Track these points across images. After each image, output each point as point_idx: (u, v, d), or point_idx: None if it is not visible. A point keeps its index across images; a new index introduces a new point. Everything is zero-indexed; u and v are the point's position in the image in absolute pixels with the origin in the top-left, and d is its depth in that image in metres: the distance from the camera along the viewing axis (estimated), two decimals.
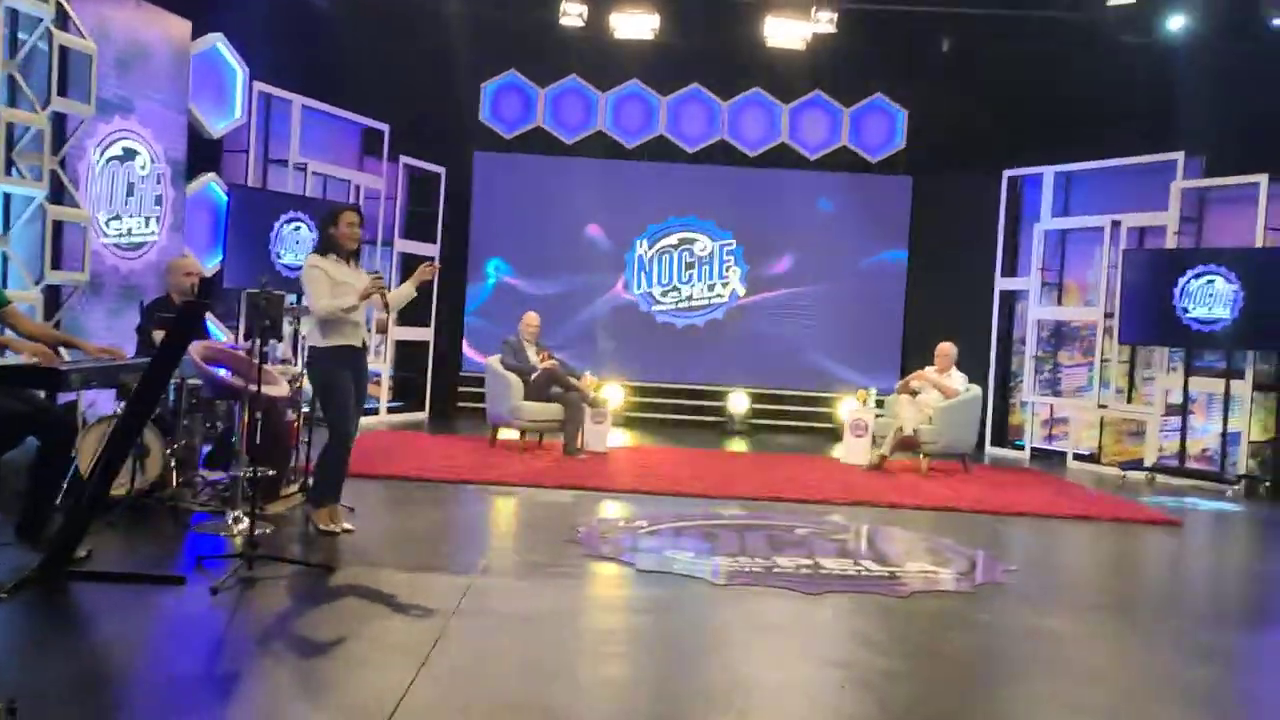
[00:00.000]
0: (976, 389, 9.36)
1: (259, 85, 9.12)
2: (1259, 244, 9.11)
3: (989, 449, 11.06)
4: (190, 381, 5.67)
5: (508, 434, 9.08)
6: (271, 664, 3.64)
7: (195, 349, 5.44)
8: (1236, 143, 9.39)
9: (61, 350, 4.81)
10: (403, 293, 5.58)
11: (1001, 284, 11.41)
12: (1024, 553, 6.19)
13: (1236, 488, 8.85)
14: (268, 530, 5.34)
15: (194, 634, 3.97)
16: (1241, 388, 9.20)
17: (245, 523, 5.06)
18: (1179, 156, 9.79)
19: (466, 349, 12.11)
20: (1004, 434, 11.41)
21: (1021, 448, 11.05)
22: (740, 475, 8.27)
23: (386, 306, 5.44)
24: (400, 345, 11.36)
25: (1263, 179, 9.08)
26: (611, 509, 6.74)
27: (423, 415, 11.34)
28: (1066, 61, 10.57)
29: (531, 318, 9.34)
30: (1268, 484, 9.09)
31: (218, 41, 8.52)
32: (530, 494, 7.07)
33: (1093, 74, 10.36)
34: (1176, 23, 9.63)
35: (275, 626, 4.04)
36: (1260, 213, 9.11)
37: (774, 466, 8.92)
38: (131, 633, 3.92)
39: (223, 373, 5.38)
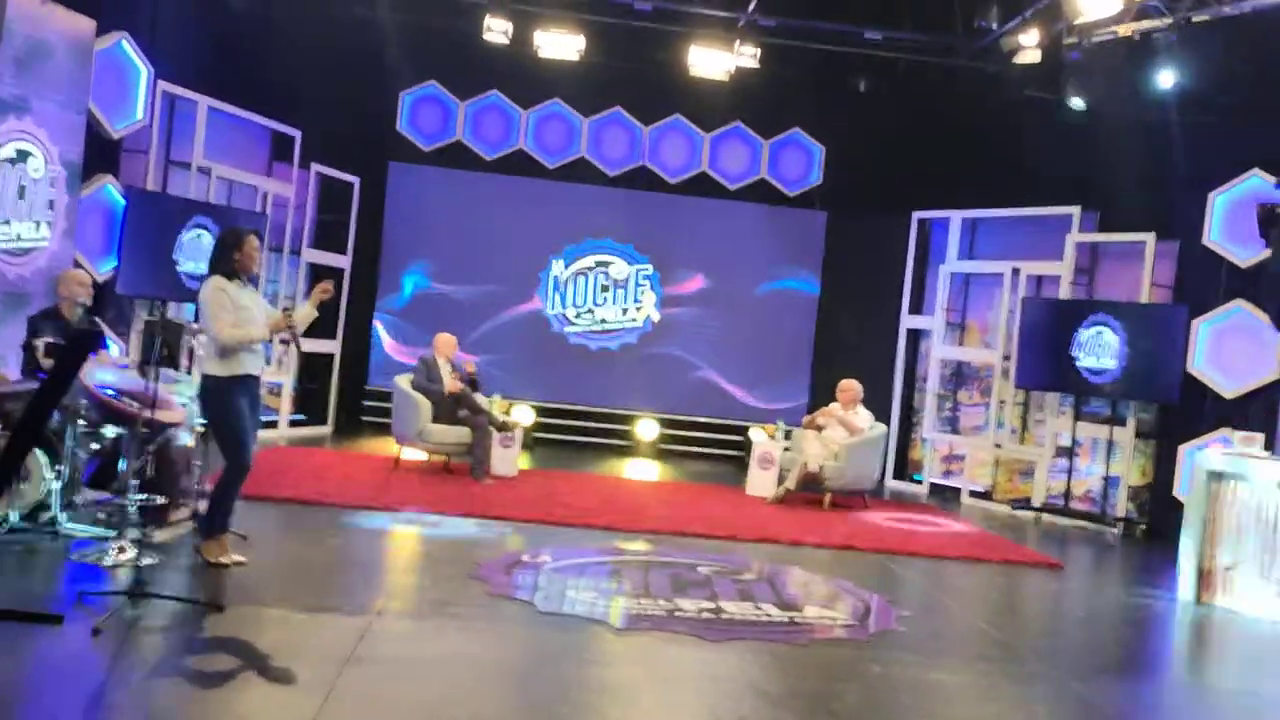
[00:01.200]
0: (882, 427, 9.56)
1: (164, 85, 8.83)
2: (1144, 299, 9.55)
3: (889, 482, 11.31)
4: (80, 403, 5.45)
5: (412, 454, 8.94)
6: (151, 717, 3.51)
7: (85, 371, 5.24)
8: (1128, 201, 9.82)
9: None
10: (303, 316, 5.46)
11: (908, 321, 11.70)
12: (917, 596, 6.36)
13: (1114, 530, 9.23)
14: (154, 561, 5.16)
15: (71, 681, 3.80)
16: (1123, 434, 9.63)
17: (130, 552, 4.90)
18: (1075, 210, 10.20)
19: (389, 347, 11.88)
20: (904, 468, 11.70)
21: (920, 482, 11.34)
22: (647, 506, 8.30)
23: (297, 342, 5.32)
24: (304, 356, 11.08)
25: (1150, 237, 9.54)
26: (515, 541, 6.69)
27: (326, 429, 11.11)
28: (977, 110, 10.93)
29: (445, 338, 9.24)
30: (1144, 527, 9.52)
31: (122, 39, 8.24)
32: (434, 521, 6.97)
33: (1001, 124, 10.74)
34: (1075, 100, 10.03)
35: (157, 675, 3.90)
36: (1147, 269, 9.55)
37: (681, 496, 8.99)
38: (4, 678, 3.74)
39: (109, 394, 5.18)
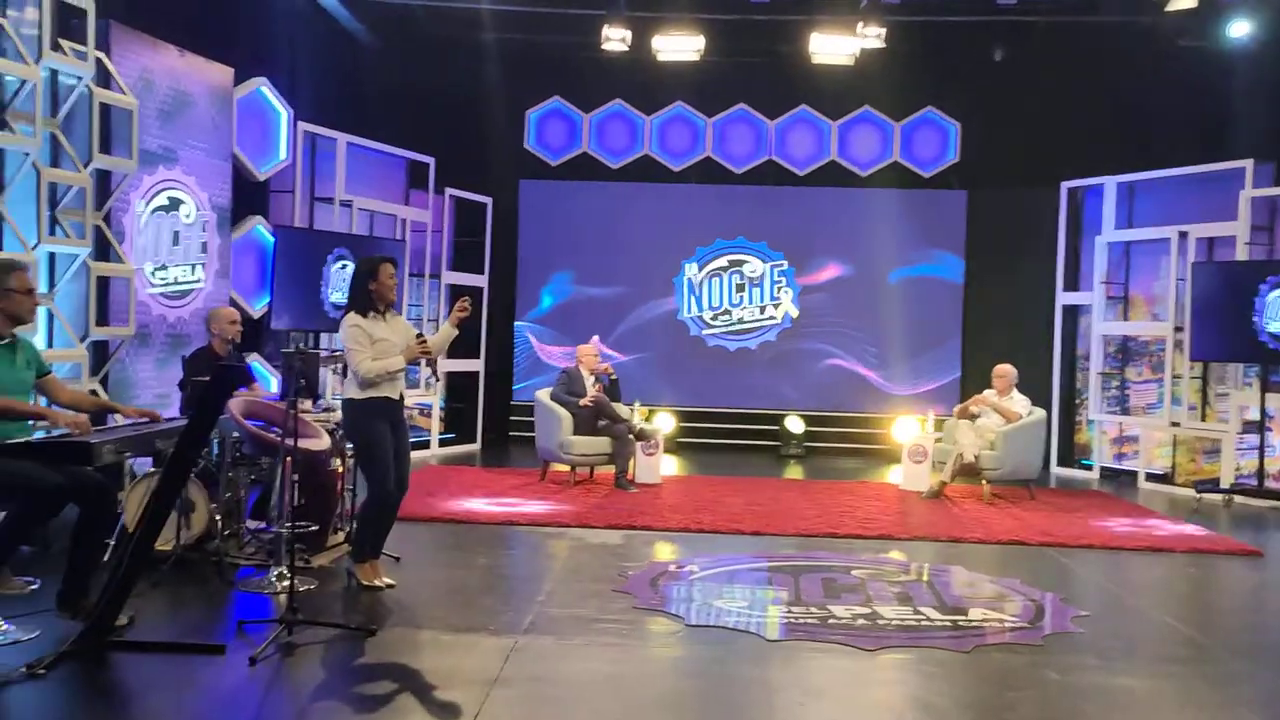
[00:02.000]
0: (1040, 412, 9.02)
1: (303, 125, 9.14)
2: None
3: (1055, 469, 10.69)
4: (234, 436, 5.61)
5: (558, 466, 8.95)
6: None
7: (235, 404, 5.40)
8: None
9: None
10: (443, 336, 5.49)
11: (1063, 299, 11.03)
12: (1095, 593, 5.87)
13: None
14: (310, 587, 5.26)
15: (231, 710, 3.87)
16: None
17: (288, 580, 4.99)
18: (1248, 164, 9.36)
19: (540, 351, 11.97)
20: (1070, 453, 11.03)
21: (1089, 467, 10.67)
22: (796, 507, 8.04)
23: (434, 368, 5.36)
24: (450, 376, 11.32)
25: None
26: (662, 550, 6.56)
27: (475, 447, 11.28)
28: (1124, 68, 10.22)
29: (586, 349, 9.23)
30: None
31: (261, 85, 8.55)
32: (579, 535, 6.91)
33: (1153, 80, 10.01)
34: (1239, 29, 9.20)
35: (310, 701, 3.92)
36: None
37: (831, 495, 8.67)
38: (167, 710, 3.84)
39: (257, 426, 5.31)
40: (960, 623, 5.09)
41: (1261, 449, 9.06)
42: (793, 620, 5.02)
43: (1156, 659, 4.65)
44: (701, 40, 10.46)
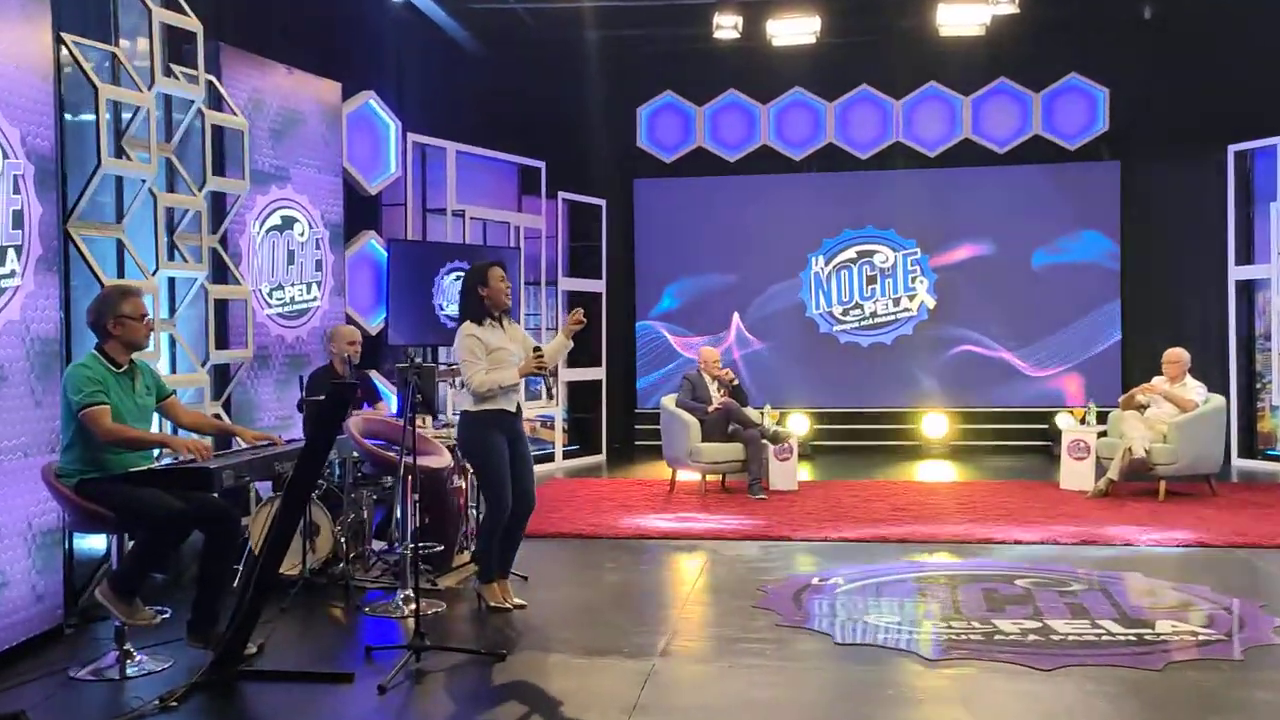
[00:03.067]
0: (1218, 399, 8.42)
1: (413, 136, 9.22)
2: None
3: (1235, 462, 9.97)
4: (354, 455, 5.63)
5: (687, 475, 8.79)
6: None
7: (354, 423, 5.41)
8: None
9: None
10: (557, 346, 5.37)
11: (1237, 273, 10.30)
12: None
13: None
14: (438, 610, 5.21)
15: None
16: None
17: (414, 603, 4.94)
18: None
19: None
20: (1252, 444, 10.28)
21: (1277, 458, 9.92)
22: (946, 511, 7.70)
23: (549, 382, 5.25)
24: (572, 386, 11.28)
25: None
26: (803, 562, 6.31)
27: (600, 458, 11.21)
28: None
29: (709, 353, 9.07)
30: None
31: (370, 99, 8.66)
32: (714, 547, 6.71)
33: None
34: None
35: None
36: None
37: (983, 497, 8.28)
38: None
39: (376, 444, 5.30)
40: (1146, 637, 4.70)
41: None
42: (953, 637, 4.71)
43: None
44: (818, 21, 10.16)
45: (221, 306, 6.57)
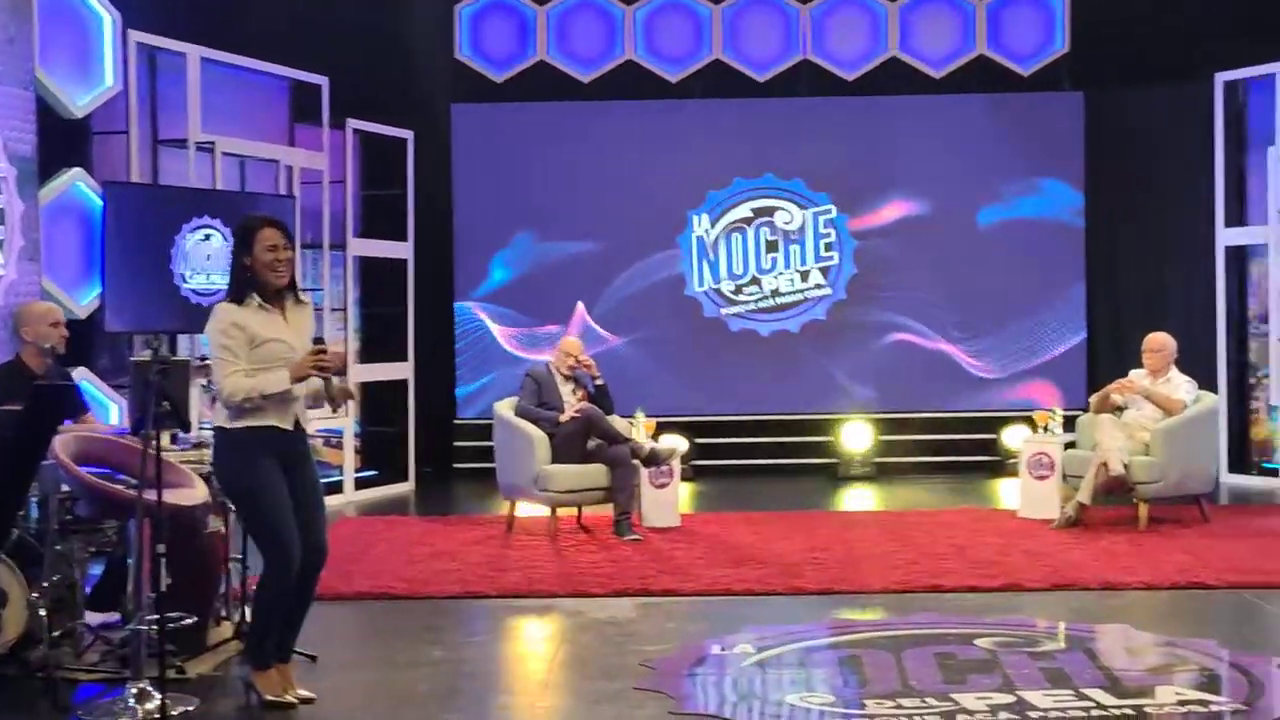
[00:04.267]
0: (1210, 397, 8.95)
1: (137, 35, 8.78)
2: None
3: (1226, 478, 10.52)
4: (63, 491, 5.27)
5: (532, 510, 8.70)
6: None
7: (63, 444, 5.06)
8: None
9: None
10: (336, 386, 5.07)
11: (1225, 237, 10.88)
12: None
13: None
14: (190, 709, 4.92)
15: None
16: None
17: (154, 700, 4.65)
18: None
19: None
20: (1244, 454, 10.88)
21: (1274, 472, 10.54)
22: (877, 550, 7.90)
23: (335, 388, 4.95)
24: (367, 390, 10.98)
25: None
26: (695, 624, 6.31)
27: (407, 488, 11.02)
28: None
29: (570, 344, 9.04)
30: None
31: None
32: (574, 607, 6.66)
33: None
34: None
35: None
36: None
37: (924, 531, 8.52)
38: None
39: (98, 474, 4.96)
40: (1147, 709, 4.85)
41: None
42: None
43: None
44: None
45: None
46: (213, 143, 9.32)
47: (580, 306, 11.69)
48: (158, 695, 4.48)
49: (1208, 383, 9.78)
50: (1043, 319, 11.77)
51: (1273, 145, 10.40)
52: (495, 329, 11.80)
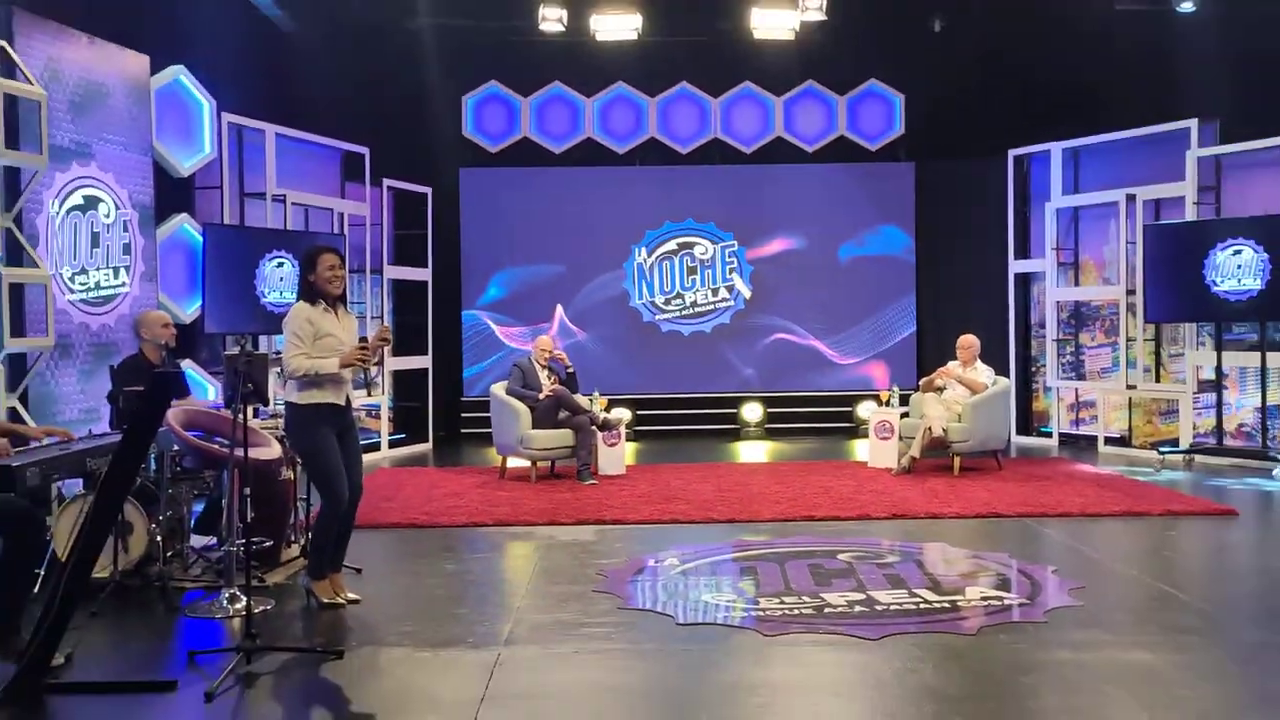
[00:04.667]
0: (1005, 381, 8.94)
1: (228, 117, 8.60)
2: None
3: (1015, 438, 10.59)
4: (173, 449, 5.15)
5: (518, 462, 8.59)
6: None
7: (174, 414, 4.95)
8: (1251, 105, 8.92)
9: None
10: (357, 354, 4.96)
11: (1016, 266, 10.96)
12: (1084, 563, 5.66)
13: None
14: (268, 608, 4.84)
15: None
16: (1277, 360, 8.73)
17: (242, 601, 4.56)
18: (1192, 124, 9.32)
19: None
20: (1029, 421, 10.99)
21: (1049, 434, 10.62)
22: (768, 490, 7.79)
23: (370, 375, 4.94)
24: (398, 375, 10.85)
25: None
26: (637, 544, 6.23)
27: (427, 447, 10.84)
28: (1064, 34, 10.09)
29: (543, 341, 8.87)
30: None
31: (180, 74, 8.01)
32: (548, 533, 6.56)
33: (1093, 45, 9.91)
34: (1185, 2, 9.17)
35: None
36: None
37: (801, 476, 8.43)
38: None
39: (198, 437, 4.86)
40: (959, 603, 4.87)
41: (1219, 407, 9.03)
42: (787, 612, 4.74)
43: (1168, 629, 4.44)
44: (639, 19, 10.12)
45: (17, 291, 5.89)
46: (284, 195, 9.17)
47: (559, 308, 11.59)
48: (244, 597, 4.39)
49: (1002, 370, 9.86)
50: (883, 323, 11.75)
51: (1048, 201, 10.53)
52: (495, 328, 11.67)
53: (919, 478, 8.21)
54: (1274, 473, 8.23)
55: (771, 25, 10.24)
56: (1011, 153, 10.86)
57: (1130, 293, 9.71)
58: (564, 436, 8.33)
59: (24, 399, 5.96)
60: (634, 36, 10.26)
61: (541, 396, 8.44)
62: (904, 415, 8.85)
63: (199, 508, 5.81)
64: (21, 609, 4.03)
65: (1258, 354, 8.77)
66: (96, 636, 4.48)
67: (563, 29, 10.15)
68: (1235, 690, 3.81)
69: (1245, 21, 8.90)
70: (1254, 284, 8.58)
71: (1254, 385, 8.95)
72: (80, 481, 5.03)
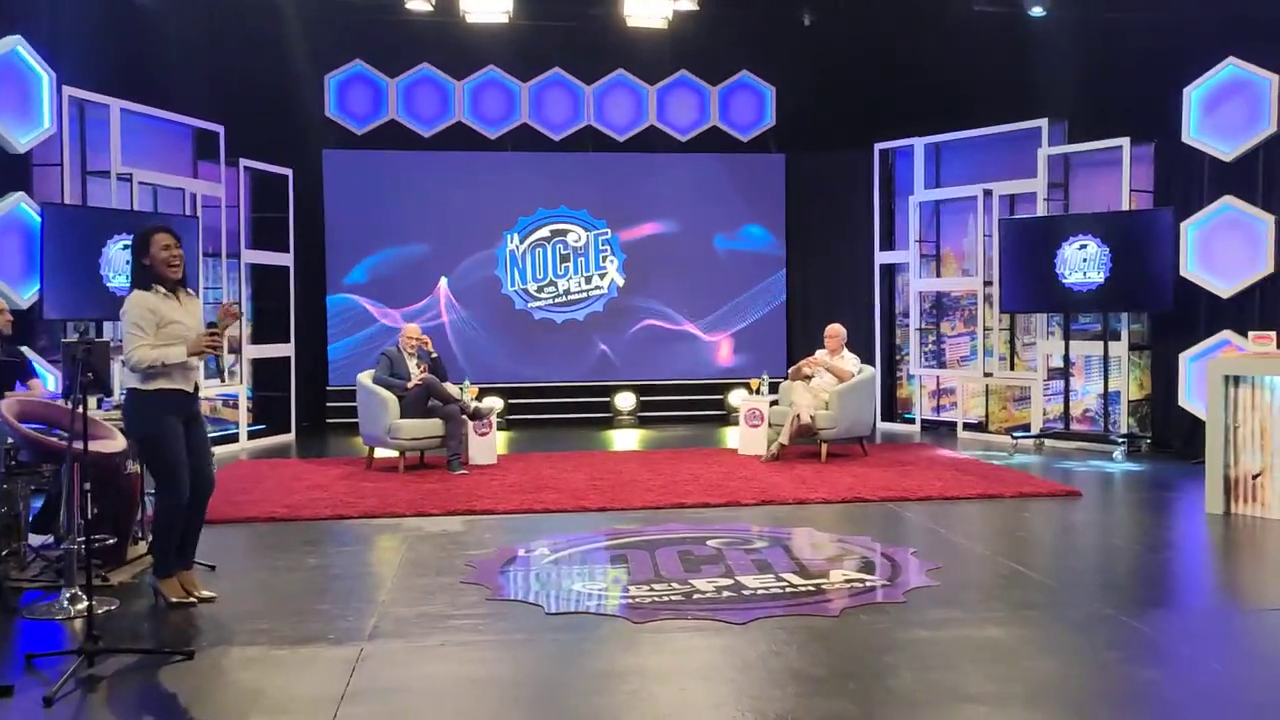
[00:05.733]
0: (870, 369, 9.19)
1: (70, 90, 8.14)
2: (1125, 206, 9.17)
3: (880, 424, 10.96)
4: (8, 443, 4.85)
5: (386, 453, 8.42)
6: None
7: (8, 406, 4.68)
8: (1098, 107, 9.44)
9: None
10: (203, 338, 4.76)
11: (881, 257, 11.32)
12: (940, 544, 5.92)
13: (1121, 447, 8.86)
14: (112, 608, 4.63)
15: None
16: (1118, 349, 9.29)
17: (83, 602, 4.34)
18: (1043, 123, 9.80)
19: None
20: (893, 408, 11.38)
21: (912, 421, 11.03)
22: (639, 479, 7.84)
23: (223, 362, 4.75)
24: (258, 363, 10.48)
25: (1124, 142, 9.12)
26: (507, 534, 6.19)
27: (289, 438, 10.51)
28: (928, 32, 10.46)
29: (411, 329, 8.71)
30: (1148, 440, 9.23)
31: (18, 45, 7.53)
32: (416, 525, 6.45)
33: (956, 44, 10.29)
34: (1035, 7, 9.63)
35: None
36: (1125, 175, 9.16)
37: (672, 464, 8.51)
38: None
39: (36, 429, 4.60)
40: (824, 586, 5.01)
41: (1067, 394, 9.55)
42: (656, 599, 4.79)
43: (1016, 606, 4.69)
44: (510, 1, 10.00)
45: None
46: (130, 174, 8.70)
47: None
48: (86, 598, 4.17)
49: (868, 358, 10.18)
50: (753, 310, 11.92)
51: (912, 194, 10.91)
52: (366, 305, 11.34)
53: (787, 464, 8.38)
54: (1114, 455, 8.77)
55: (644, 13, 10.28)
56: (877, 146, 11.20)
57: (988, 284, 10.17)
58: (433, 426, 8.21)
59: None
60: (505, 20, 10.14)
61: (410, 385, 8.29)
62: (773, 403, 9.02)
63: (37, 504, 5.50)
64: None
65: (1100, 343, 9.33)
66: None
67: (430, 9, 9.97)
68: (1073, 659, 4.05)
69: (1094, 26, 9.39)
70: (1097, 276, 9.11)
71: (1098, 373, 9.50)
72: None
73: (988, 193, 10.18)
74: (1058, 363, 9.71)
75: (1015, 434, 9.69)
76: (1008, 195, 10.25)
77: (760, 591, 4.88)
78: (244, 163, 10.09)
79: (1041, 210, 9.78)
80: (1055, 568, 5.55)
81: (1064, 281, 9.28)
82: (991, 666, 3.94)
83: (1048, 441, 9.46)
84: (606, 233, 11.80)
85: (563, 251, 11.76)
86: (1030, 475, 7.99)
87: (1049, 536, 6.33)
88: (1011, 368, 10.29)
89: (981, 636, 4.27)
